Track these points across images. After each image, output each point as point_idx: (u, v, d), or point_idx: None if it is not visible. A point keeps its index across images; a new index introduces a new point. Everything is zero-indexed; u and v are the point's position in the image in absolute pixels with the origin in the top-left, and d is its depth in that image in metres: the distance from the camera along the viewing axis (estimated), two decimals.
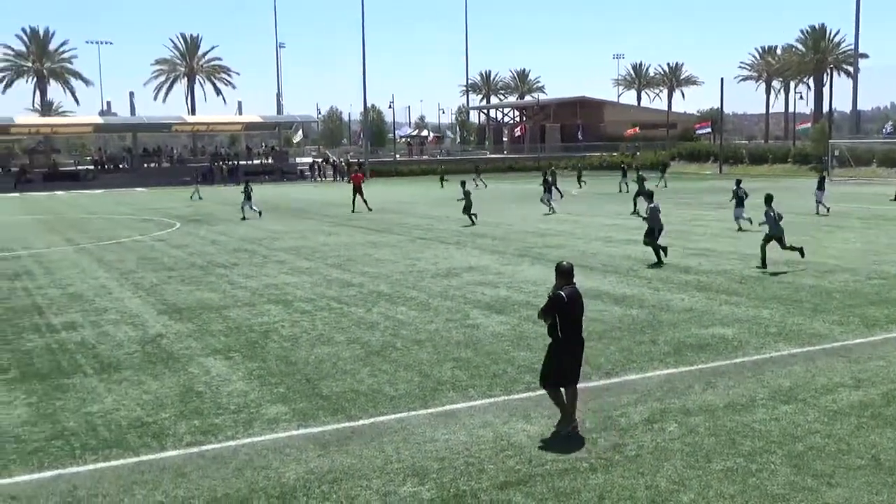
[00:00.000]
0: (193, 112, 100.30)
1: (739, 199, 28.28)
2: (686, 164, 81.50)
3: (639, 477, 7.92)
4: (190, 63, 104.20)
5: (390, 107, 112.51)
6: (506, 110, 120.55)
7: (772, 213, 19.83)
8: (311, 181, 75.40)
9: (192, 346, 13.49)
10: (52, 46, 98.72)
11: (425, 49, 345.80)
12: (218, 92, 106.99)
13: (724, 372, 11.39)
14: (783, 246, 20.03)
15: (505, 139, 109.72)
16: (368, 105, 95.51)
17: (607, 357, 12.24)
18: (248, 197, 37.57)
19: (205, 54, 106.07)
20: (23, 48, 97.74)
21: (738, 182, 29.13)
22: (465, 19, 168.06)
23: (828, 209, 33.42)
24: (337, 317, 15.52)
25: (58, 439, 9.35)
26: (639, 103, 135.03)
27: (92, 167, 79.34)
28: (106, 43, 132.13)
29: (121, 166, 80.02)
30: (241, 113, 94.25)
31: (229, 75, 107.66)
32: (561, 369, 9.13)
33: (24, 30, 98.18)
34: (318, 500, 7.64)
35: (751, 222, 26.62)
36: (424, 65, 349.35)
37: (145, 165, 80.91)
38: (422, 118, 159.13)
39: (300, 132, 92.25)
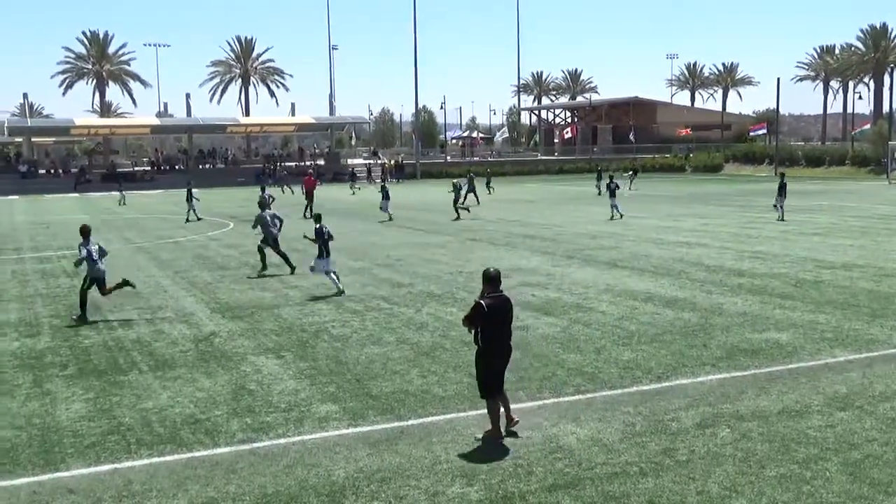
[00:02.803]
0: (247, 113, 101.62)
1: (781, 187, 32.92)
2: (741, 165, 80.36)
3: (690, 482, 7.83)
4: (244, 65, 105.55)
5: (442, 108, 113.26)
6: (557, 111, 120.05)
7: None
8: (369, 182, 75.50)
9: (245, 345, 13.67)
10: (111, 49, 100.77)
11: (477, 50, 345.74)
12: (271, 94, 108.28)
13: (777, 377, 11.20)
14: None
15: (556, 140, 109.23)
16: (420, 106, 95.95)
17: (658, 361, 12.12)
18: (385, 196, 37.56)
19: (259, 56, 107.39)
20: (83, 51, 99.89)
21: (783, 175, 34.46)
22: (517, 20, 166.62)
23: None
24: (387, 317, 15.60)
25: (114, 434, 9.55)
26: (692, 104, 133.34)
27: (149, 168, 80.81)
28: (163, 45, 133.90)
29: (177, 167, 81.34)
30: (294, 114, 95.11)
31: (283, 77, 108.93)
32: (489, 379, 9.10)
33: (84, 33, 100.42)
34: (367, 498, 7.69)
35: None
36: (476, 66, 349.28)
37: (200, 166, 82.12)
38: (473, 119, 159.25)
39: (353, 133, 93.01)
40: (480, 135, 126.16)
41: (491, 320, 9.02)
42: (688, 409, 9.90)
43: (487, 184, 52.92)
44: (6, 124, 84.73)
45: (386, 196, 37.35)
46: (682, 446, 8.73)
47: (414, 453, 8.73)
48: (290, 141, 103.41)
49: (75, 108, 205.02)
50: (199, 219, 37.55)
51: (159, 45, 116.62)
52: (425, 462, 8.49)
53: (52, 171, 77.10)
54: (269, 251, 21.62)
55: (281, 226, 22.11)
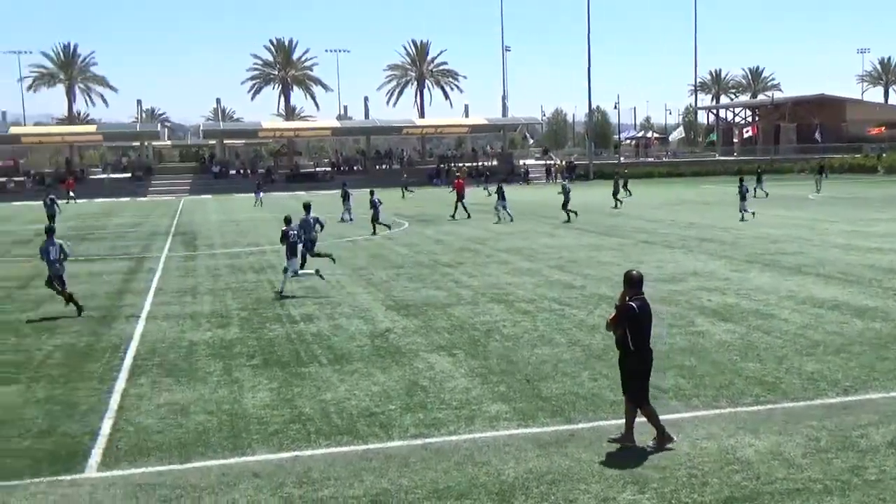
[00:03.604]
0: (422, 115, 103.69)
1: None
2: None
3: (879, 503, 7.37)
4: (420, 68, 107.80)
5: (615, 108, 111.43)
6: (737, 110, 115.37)
7: None
8: (535, 183, 75.83)
9: (418, 342, 13.99)
10: (295, 56, 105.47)
11: (652, 49, 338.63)
12: (445, 95, 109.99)
13: None
14: None
15: (735, 140, 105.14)
16: (593, 106, 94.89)
17: (846, 373, 11.46)
18: (501, 196, 37.71)
19: (433, 59, 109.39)
20: (270, 58, 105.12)
21: None
22: (695, 17, 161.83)
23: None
24: (558, 318, 15.55)
25: (295, 423, 10.01)
26: (886, 101, 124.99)
27: (329, 168, 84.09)
28: (343, 51, 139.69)
29: (355, 168, 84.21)
30: (467, 115, 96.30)
31: (456, 79, 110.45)
32: (643, 385, 8.88)
33: (271, 41, 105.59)
34: (536, 499, 7.70)
35: None
36: (651, 65, 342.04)
37: (377, 167, 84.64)
38: (647, 119, 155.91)
39: (526, 134, 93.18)
40: (655, 135, 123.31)
41: (638, 323, 8.82)
42: (878, 426, 9.30)
43: (624, 186, 52.18)
44: (201, 128, 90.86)
45: (567, 198, 36.86)
46: (871, 465, 8.21)
47: (584, 457, 8.66)
48: (464, 142, 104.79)
49: (262, 112, 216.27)
50: (351, 219, 38.54)
51: (340, 51, 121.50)
52: (595, 466, 8.40)
53: (241, 171, 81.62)
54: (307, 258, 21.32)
55: (322, 230, 22.64)
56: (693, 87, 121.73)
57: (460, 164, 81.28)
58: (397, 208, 46.38)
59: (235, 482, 8.28)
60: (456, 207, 39.39)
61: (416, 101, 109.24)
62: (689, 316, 15.41)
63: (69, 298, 17.20)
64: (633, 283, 9.00)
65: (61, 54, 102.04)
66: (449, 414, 10.20)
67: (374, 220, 33.19)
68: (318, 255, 21.59)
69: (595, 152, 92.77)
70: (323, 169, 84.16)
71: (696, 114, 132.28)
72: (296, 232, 19.39)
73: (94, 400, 11.18)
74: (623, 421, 9.13)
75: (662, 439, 8.87)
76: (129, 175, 79.68)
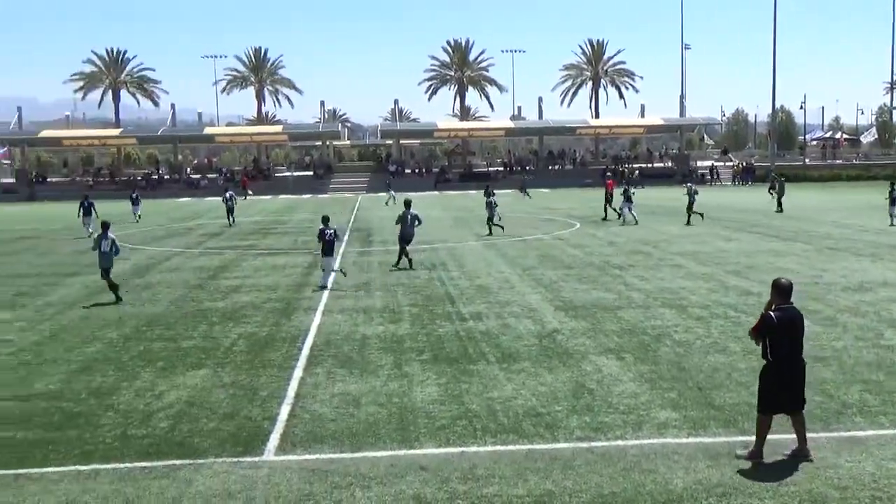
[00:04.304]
0: (597, 116, 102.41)
1: None
2: None
3: None
4: (595, 68, 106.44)
5: (801, 107, 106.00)
6: None
7: None
8: (711, 185, 73.45)
9: (586, 344, 13.85)
10: (471, 56, 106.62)
11: (842, 45, 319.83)
12: (620, 95, 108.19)
13: None
14: None
15: None
16: (777, 106, 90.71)
17: None
18: (627, 199, 36.94)
19: (610, 59, 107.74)
20: (447, 59, 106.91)
21: None
22: (893, 9, 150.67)
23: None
24: (733, 325, 14.99)
25: (462, 419, 10.15)
26: None
27: (501, 168, 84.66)
28: (519, 51, 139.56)
29: (527, 168, 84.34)
30: (643, 116, 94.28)
31: (632, 79, 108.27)
32: (770, 394, 8.42)
33: (448, 42, 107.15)
34: None
35: None
36: (841, 62, 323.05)
37: (549, 167, 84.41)
38: (836, 119, 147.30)
39: (705, 135, 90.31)
40: (844, 136, 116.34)
41: (779, 333, 8.37)
42: None
43: (771, 188, 50.32)
44: (379, 128, 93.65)
45: (692, 199, 36.42)
46: None
47: (758, 471, 8.32)
48: (639, 142, 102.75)
49: (438, 112, 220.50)
50: (500, 219, 38.13)
51: (515, 52, 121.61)
52: (769, 481, 8.05)
53: (416, 170, 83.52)
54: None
55: (419, 225, 24.17)
56: (889, 85, 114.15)
57: (630, 166, 79.88)
58: (572, 208, 46.07)
59: (403, 474, 8.49)
60: (606, 209, 39.33)
61: (590, 101, 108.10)
62: (878, 328, 14.49)
63: (112, 286, 18.92)
64: (780, 291, 8.61)
65: (252, 58, 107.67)
66: (616, 418, 10.05)
67: (489, 220, 33.14)
68: (405, 252, 23.42)
69: (778, 154, 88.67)
70: (495, 169, 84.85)
71: (891, 113, 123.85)
72: (332, 231, 20.24)
73: (274, 386, 11.77)
74: (794, 435, 8.72)
75: (754, 453, 8.59)
76: (311, 173, 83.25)
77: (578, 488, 8.03)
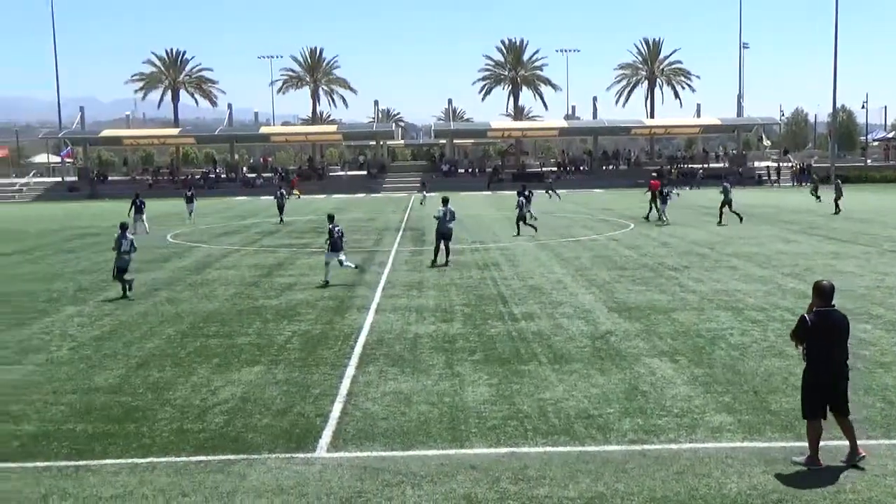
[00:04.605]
0: (652, 115, 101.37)
1: None
2: None
3: None
4: (651, 67, 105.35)
5: (863, 107, 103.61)
6: None
7: None
8: (769, 186, 72.30)
9: (639, 346, 13.72)
10: (525, 56, 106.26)
11: None
12: (676, 95, 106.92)
13: None
14: None
15: None
16: (837, 105, 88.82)
17: None
18: (663, 200, 37.50)
19: (666, 58, 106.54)
20: (501, 59, 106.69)
21: None
22: None
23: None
24: (790, 329, 14.66)
25: (513, 420, 10.13)
26: None
27: (555, 168, 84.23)
28: (574, 51, 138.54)
29: (581, 168, 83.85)
30: (699, 115, 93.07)
31: (689, 78, 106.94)
32: (809, 399, 8.33)
33: (502, 41, 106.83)
34: None
35: None
36: None
37: (603, 167, 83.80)
38: None
39: (763, 135, 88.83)
40: None
41: (817, 336, 8.20)
42: None
43: (814, 190, 49.92)
44: (433, 127, 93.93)
45: (727, 198, 36.45)
46: None
47: (814, 477, 8.16)
48: (695, 143, 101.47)
49: (491, 111, 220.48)
50: (534, 219, 37.68)
51: (570, 51, 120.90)
52: (828, 488, 7.89)
53: (469, 170, 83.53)
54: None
55: (453, 221, 24.56)
56: None
57: (660, 167, 78.85)
58: (626, 209, 45.70)
59: (453, 473, 8.50)
60: (650, 208, 39.32)
61: (646, 100, 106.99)
62: None
63: (123, 284, 19.51)
64: (821, 293, 8.57)
65: (308, 58, 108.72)
66: (669, 421, 9.94)
67: (519, 219, 32.98)
68: (447, 246, 24.32)
69: (838, 154, 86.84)
70: (548, 169, 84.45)
71: None
72: (339, 228, 21.19)
73: (327, 384, 11.87)
74: (847, 441, 8.55)
75: (810, 459, 8.44)
76: (365, 172, 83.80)
77: (630, 491, 7.96)
